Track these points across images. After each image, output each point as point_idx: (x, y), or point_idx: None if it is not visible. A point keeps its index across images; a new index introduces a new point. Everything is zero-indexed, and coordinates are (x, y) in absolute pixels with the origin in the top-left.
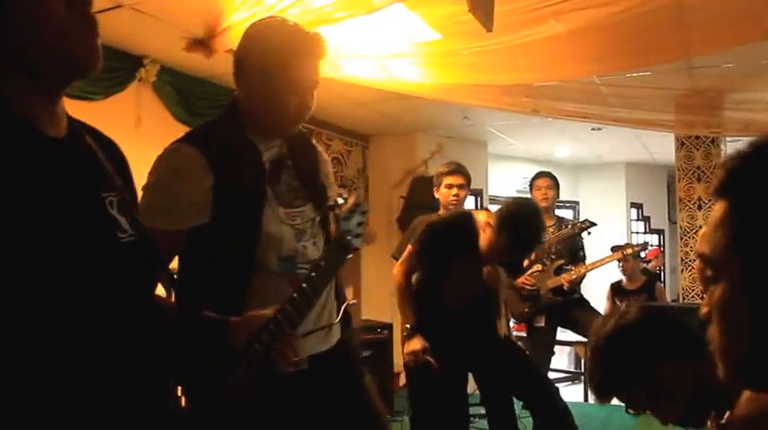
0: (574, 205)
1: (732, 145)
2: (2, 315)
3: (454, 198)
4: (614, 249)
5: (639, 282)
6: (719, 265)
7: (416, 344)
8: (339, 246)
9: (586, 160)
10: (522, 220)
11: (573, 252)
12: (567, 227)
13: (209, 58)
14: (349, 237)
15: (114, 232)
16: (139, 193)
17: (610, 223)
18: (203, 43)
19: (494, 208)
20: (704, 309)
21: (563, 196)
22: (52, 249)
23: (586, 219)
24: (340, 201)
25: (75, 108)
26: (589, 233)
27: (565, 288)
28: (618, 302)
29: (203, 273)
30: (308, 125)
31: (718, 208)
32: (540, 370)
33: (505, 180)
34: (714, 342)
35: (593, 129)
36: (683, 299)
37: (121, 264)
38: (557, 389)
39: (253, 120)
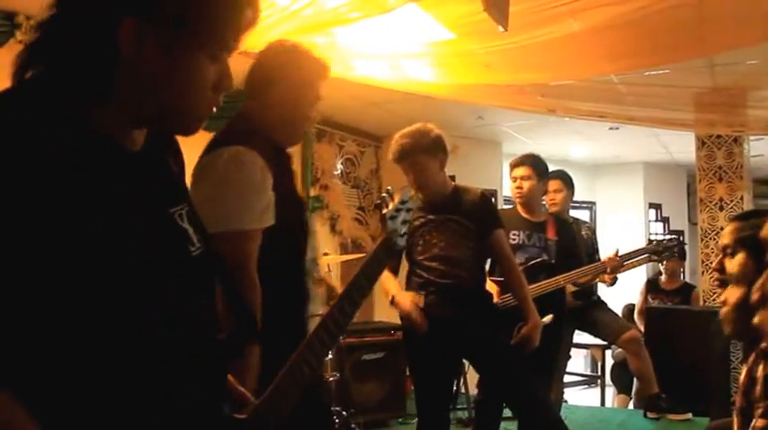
0: (590, 206)
1: (755, 144)
2: (74, 330)
3: (517, 191)
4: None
5: (678, 283)
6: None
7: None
8: (386, 248)
9: (604, 160)
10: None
11: (588, 254)
12: (586, 228)
13: None
14: (395, 239)
15: (186, 246)
16: None
17: (627, 224)
18: None
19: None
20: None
21: (579, 196)
22: (123, 262)
23: (674, 238)
24: (385, 196)
25: None
26: (675, 254)
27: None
28: (651, 300)
29: (265, 275)
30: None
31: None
32: (527, 373)
33: None
34: None
35: (610, 128)
36: (704, 302)
37: (193, 278)
38: (546, 395)
39: (270, 129)
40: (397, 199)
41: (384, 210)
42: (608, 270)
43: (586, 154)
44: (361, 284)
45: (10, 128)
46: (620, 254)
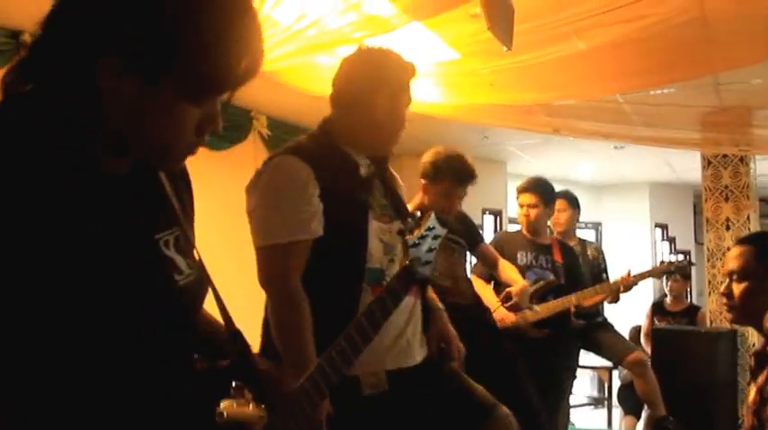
0: (596, 226)
1: (762, 163)
2: (50, 362)
3: (524, 217)
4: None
5: (684, 305)
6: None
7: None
8: (404, 279)
9: (609, 180)
10: (449, 157)
11: (596, 274)
12: (593, 248)
13: None
14: (417, 267)
15: (170, 274)
16: None
17: (633, 245)
18: None
19: (513, 228)
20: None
21: (585, 217)
22: (99, 291)
23: (682, 260)
24: (411, 221)
25: None
26: (677, 274)
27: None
28: (657, 322)
29: (312, 285)
30: (275, 129)
31: None
32: (528, 385)
33: None
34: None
35: (615, 147)
36: (711, 323)
37: (179, 307)
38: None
39: (351, 138)
40: (424, 226)
41: (408, 237)
42: (621, 289)
43: (592, 174)
44: (375, 315)
45: None
46: (632, 274)
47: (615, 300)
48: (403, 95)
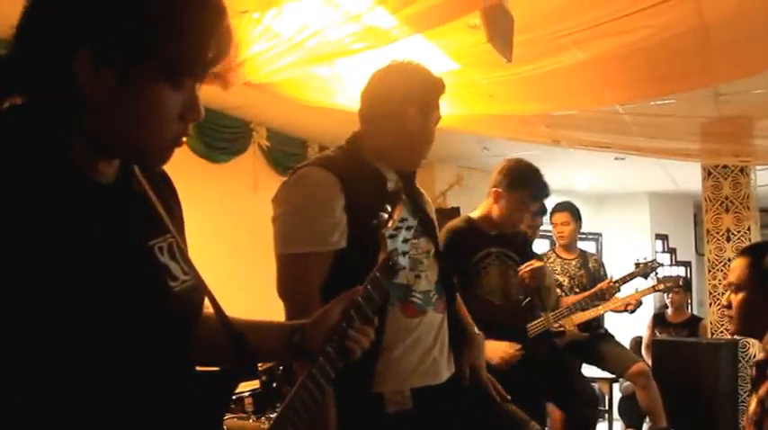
0: (596, 237)
1: (762, 174)
2: (44, 371)
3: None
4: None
5: (685, 316)
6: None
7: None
8: (385, 269)
9: (609, 190)
10: (527, 170)
11: (595, 284)
12: (594, 260)
13: (225, 90)
14: (396, 258)
15: (165, 281)
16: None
17: (634, 255)
18: (220, 76)
19: None
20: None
21: (585, 228)
22: (95, 298)
23: (653, 260)
24: (384, 216)
25: None
26: (656, 275)
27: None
28: (658, 334)
29: (327, 298)
30: None
31: None
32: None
33: None
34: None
35: (615, 158)
36: (712, 334)
37: (175, 313)
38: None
39: (380, 152)
40: (396, 216)
41: (383, 229)
42: (606, 296)
43: (592, 184)
44: (363, 307)
45: None
46: (613, 279)
47: (635, 307)
48: (433, 111)
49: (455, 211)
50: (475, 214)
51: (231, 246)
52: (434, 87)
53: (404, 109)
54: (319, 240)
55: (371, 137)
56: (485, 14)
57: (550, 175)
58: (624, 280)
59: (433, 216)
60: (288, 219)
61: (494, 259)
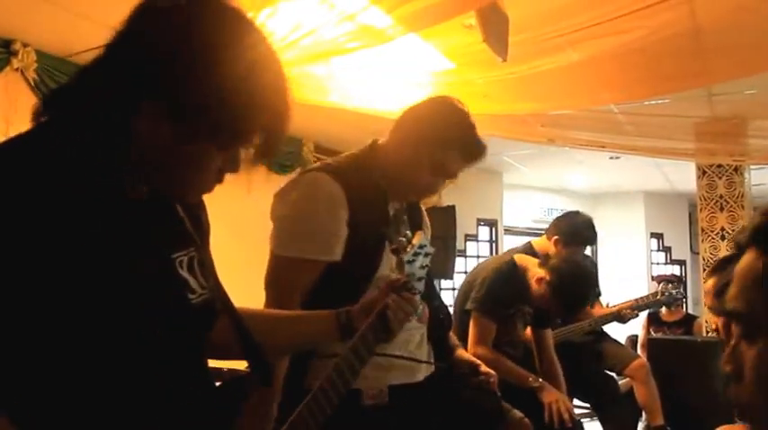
0: None
1: (756, 173)
2: (63, 371)
3: None
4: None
5: (679, 314)
6: (758, 324)
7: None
8: (400, 291)
9: (604, 189)
10: (578, 285)
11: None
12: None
13: None
14: (412, 283)
15: (184, 295)
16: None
17: (629, 254)
18: None
19: (509, 239)
20: (729, 367)
21: None
22: (116, 306)
23: (672, 293)
24: (402, 240)
25: None
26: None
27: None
28: (653, 332)
29: (311, 306)
30: (322, 155)
31: (747, 261)
32: None
33: (521, 210)
34: (747, 404)
35: (610, 157)
36: (707, 332)
37: (192, 326)
38: None
39: (386, 172)
40: (415, 242)
41: (402, 254)
42: (624, 319)
43: (587, 183)
44: (377, 327)
45: (21, 172)
46: (633, 303)
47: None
48: (431, 155)
49: (450, 209)
50: (519, 259)
51: (222, 247)
52: (448, 135)
53: (421, 147)
54: (318, 250)
55: (386, 152)
56: (480, 14)
57: (546, 174)
58: (646, 306)
59: (428, 235)
60: (291, 223)
61: (520, 315)
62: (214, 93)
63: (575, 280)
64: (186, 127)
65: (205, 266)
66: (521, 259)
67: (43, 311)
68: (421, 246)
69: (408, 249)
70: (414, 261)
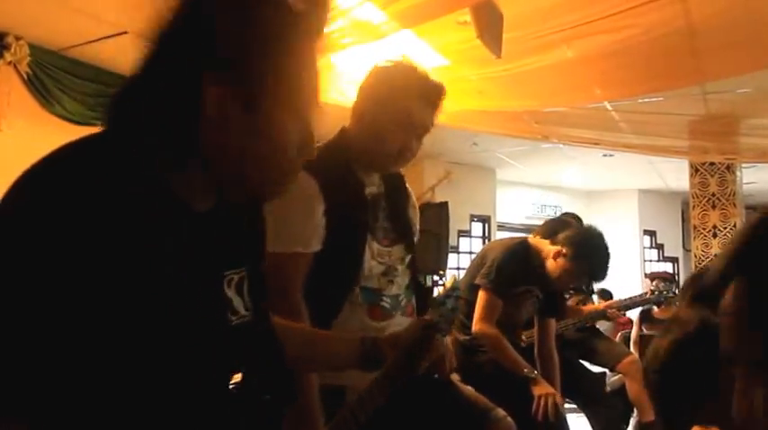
0: None
1: (748, 171)
2: (95, 379)
3: None
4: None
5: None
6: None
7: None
8: (429, 330)
9: (598, 187)
10: (597, 249)
11: (587, 284)
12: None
13: None
14: (440, 324)
15: (225, 314)
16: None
17: (622, 251)
18: None
19: (502, 235)
20: (744, 411)
21: None
22: (155, 323)
23: (662, 292)
24: (438, 281)
25: None
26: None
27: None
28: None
29: (308, 302)
30: None
31: (737, 294)
32: None
33: (514, 207)
34: None
35: (604, 155)
36: None
37: (228, 347)
38: None
39: (358, 153)
40: (449, 285)
41: (435, 295)
42: (609, 318)
43: (580, 180)
44: (402, 364)
45: (82, 178)
46: (621, 303)
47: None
48: (394, 114)
49: (444, 206)
50: (534, 241)
51: None
52: (400, 88)
53: (376, 111)
54: (301, 241)
55: (352, 135)
56: (474, 11)
57: (539, 171)
58: (633, 305)
59: (416, 220)
60: (268, 218)
61: (528, 295)
62: (264, 53)
63: (593, 244)
64: (251, 92)
65: (255, 287)
66: (533, 241)
67: (75, 318)
68: (453, 289)
69: (441, 291)
70: (445, 303)
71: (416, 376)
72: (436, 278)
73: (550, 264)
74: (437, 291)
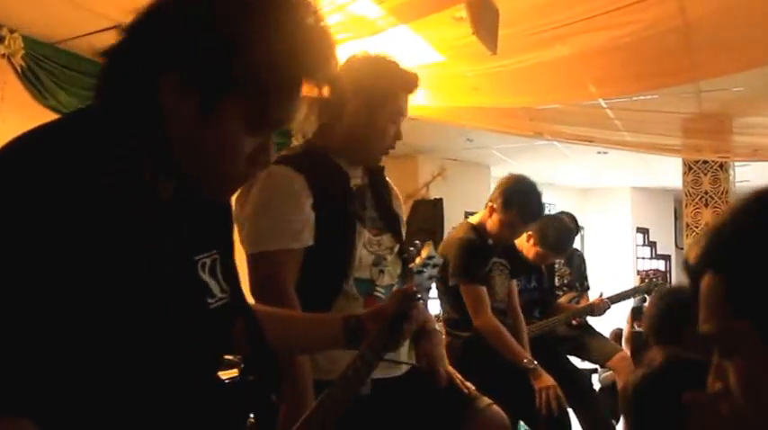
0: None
1: (740, 170)
2: (81, 368)
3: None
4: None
5: None
6: (734, 340)
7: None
8: (409, 301)
9: (591, 184)
10: (522, 194)
11: (581, 281)
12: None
13: None
14: (420, 293)
15: (204, 298)
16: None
17: (615, 248)
18: None
19: None
20: (718, 385)
21: None
22: (136, 305)
23: (652, 280)
24: (412, 250)
25: None
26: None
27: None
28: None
29: (302, 296)
30: None
31: (708, 283)
32: None
33: None
34: (738, 418)
35: (598, 152)
36: None
37: (208, 330)
38: None
39: (342, 147)
40: (424, 254)
41: (411, 264)
42: (594, 312)
43: (574, 177)
44: (385, 336)
45: (56, 160)
46: (607, 296)
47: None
48: (385, 106)
49: (438, 202)
50: (473, 220)
51: None
52: (391, 82)
53: (349, 102)
54: (292, 237)
55: (330, 130)
56: (470, 7)
57: (533, 168)
58: (619, 298)
59: (401, 212)
60: (258, 217)
61: (496, 268)
62: (228, 53)
63: (516, 189)
64: (205, 97)
65: (227, 269)
66: (473, 219)
67: (58, 307)
68: (429, 258)
69: (417, 260)
70: (423, 272)
71: (399, 346)
72: (411, 248)
73: (490, 225)
74: (414, 261)
